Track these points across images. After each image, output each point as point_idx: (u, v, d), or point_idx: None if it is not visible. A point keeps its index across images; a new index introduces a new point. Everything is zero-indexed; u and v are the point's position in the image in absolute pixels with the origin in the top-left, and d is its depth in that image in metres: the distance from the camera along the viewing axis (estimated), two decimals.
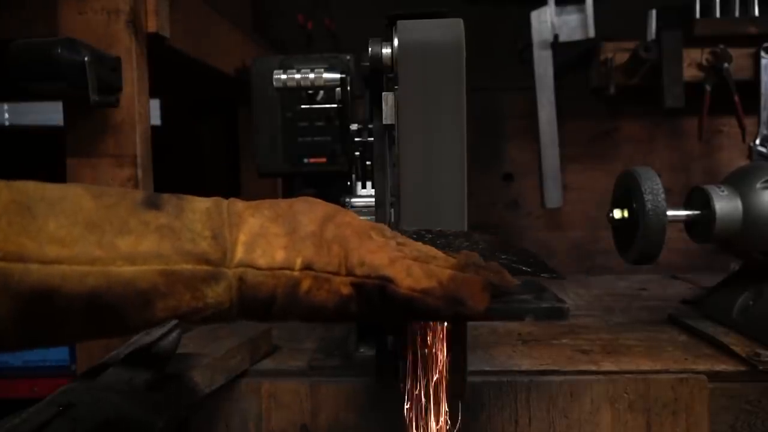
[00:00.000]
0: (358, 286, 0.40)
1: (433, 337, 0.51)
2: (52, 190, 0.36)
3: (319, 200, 0.44)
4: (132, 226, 0.36)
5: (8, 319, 0.34)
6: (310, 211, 0.42)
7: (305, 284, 0.40)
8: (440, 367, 0.52)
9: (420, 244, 0.44)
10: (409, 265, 0.41)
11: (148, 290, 0.36)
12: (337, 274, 0.40)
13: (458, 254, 0.43)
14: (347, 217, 0.43)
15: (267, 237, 0.40)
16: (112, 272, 0.35)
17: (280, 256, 0.39)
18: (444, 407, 0.52)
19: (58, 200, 0.35)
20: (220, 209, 0.40)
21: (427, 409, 0.52)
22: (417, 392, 0.52)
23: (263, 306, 0.40)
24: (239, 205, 0.41)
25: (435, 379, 0.52)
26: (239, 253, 0.39)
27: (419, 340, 0.52)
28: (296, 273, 0.40)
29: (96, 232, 0.35)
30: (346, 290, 0.40)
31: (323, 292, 0.40)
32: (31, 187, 0.36)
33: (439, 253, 0.43)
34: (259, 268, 0.39)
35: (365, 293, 0.41)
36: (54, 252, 0.34)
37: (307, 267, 0.40)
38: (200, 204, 0.40)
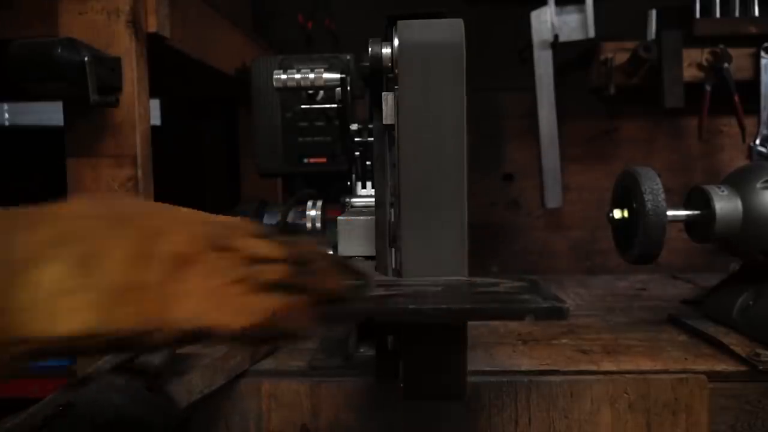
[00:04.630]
0: (179, 336, 0.38)
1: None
2: None
3: (136, 217, 0.40)
4: None
5: None
6: (116, 246, 0.37)
7: (114, 347, 0.37)
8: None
9: (259, 242, 0.41)
10: (230, 301, 0.38)
11: None
12: (149, 333, 0.37)
13: (293, 247, 0.41)
14: (167, 244, 0.38)
15: (61, 294, 0.35)
16: None
17: (77, 320, 0.35)
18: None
19: None
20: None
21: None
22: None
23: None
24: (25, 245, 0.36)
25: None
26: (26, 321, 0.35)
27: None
28: (102, 341, 0.36)
29: None
30: (162, 342, 0.38)
31: (133, 349, 0.39)
32: None
33: (271, 255, 0.40)
34: (57, 336, 0.35)
35: (188, 338, 0.38)
36: None
37: (114, 332, 0.36)
38: None
